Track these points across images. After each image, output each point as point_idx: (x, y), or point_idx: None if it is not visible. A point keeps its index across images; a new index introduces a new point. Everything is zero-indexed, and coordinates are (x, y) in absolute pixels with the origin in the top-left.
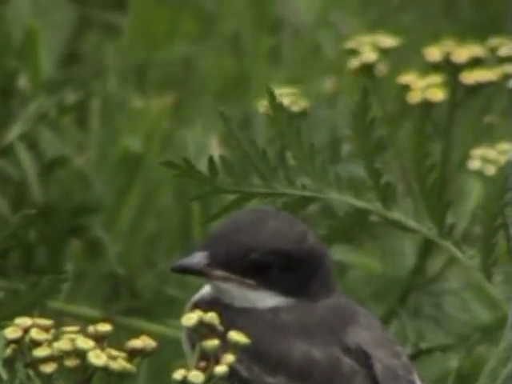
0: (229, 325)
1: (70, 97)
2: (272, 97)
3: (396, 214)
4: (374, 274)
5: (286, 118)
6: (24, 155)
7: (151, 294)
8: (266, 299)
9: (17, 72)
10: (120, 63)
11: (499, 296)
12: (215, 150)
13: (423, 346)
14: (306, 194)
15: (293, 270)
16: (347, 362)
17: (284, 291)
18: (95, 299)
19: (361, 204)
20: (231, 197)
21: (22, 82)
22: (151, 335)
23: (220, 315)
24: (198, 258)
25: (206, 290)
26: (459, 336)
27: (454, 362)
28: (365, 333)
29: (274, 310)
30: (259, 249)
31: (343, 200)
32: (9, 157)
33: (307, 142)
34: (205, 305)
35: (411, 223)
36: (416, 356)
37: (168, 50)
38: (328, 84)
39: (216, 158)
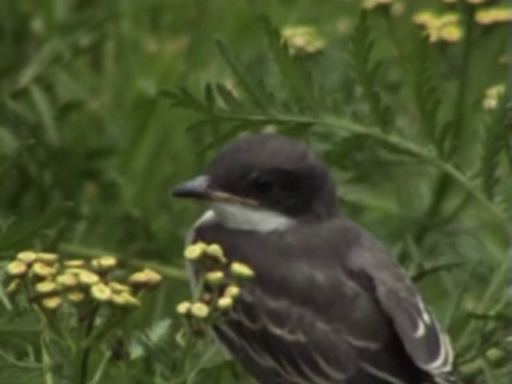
0: (231, 249)
1: (84, 39)
2: (276, 41)
3: (395, 138)
4: (389, 215)
5: (291, 62)
6: (39, 98)
7: (166, 236)
8: (269, 220)
9: (31, 15)
10: (134, 5)
11: (501, 215)
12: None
13: (427, 265)
14: (304, 120)
15: (294, 189)
16: (350, 284)
17: (287, 211)
18: (110, 242)
19: (359, 128)
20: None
21: (36, 25)
22: (166, 277)
23: (224, 240)
24: (199, 182)
25: (207, 215)
26: (474, 275)
27: (469, 303)
28: (368, 255)
29: (279, 233)
30: (259, 167)
31: (341, 125)
32: (24, 100)
33: (304, 71)
34: (207, 230)
35: (410, 146)
36: (420, 277)
37: None
38: (342, 25)
39: (213, 87)
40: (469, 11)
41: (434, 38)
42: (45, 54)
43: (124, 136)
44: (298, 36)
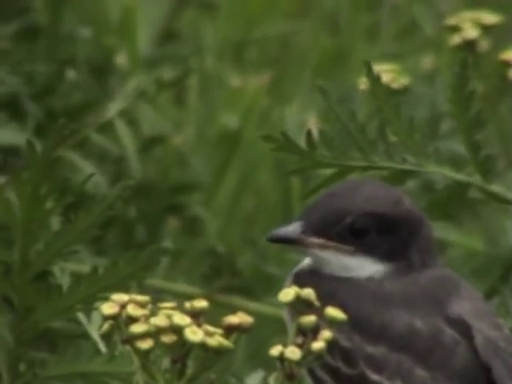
0: (330, 295)
1: (168, 74)
2: (370, 71)
3: (496, 187)
4: (474, 252)
5: (385, 92)
6: (123, 132)
7: (250, 271)
8: (365, 266)
9: (115, 50)
10: (217, 40)
11: None
12: (313, 127)
13: None
14: (406, 167)
15: (390, 234)
16: (449, 332)
17: (383, 257)
18: (194, 277)
19: (460, 177)
20: (330, 172)
21: (121, 59)
22: (250, 313)
23: (321, 286)
24: (293, 227)
25: (306, 261)
26: None
27: None
28: (467, 304)
29: (378, 281)
30: (354, 212)
31: (442, 173)
32: (108, 134)
33: (406, 116)
34: (305, 276)
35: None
36: None
37: (265, 27)
38: (426, 61)
39: (314, 133)
40: None
41: None
42: (129, 88)
43: (207, 170)
44: (384, 73)
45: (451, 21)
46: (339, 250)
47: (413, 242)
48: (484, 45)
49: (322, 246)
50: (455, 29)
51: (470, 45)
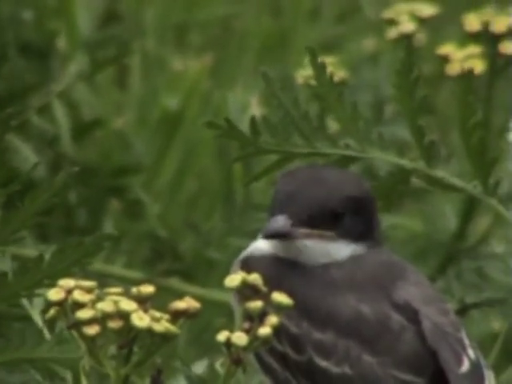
0: (277, 282)
1: (109, 56)
2: (314, 58)
3: (440, 173)
4: (415, 234)
5: (328, 78)
6: (60, 113)
7: (192, 255)
8: (342, 249)
9: (56, 32)
10: (159, 23)
11: None
12: (255, 110)
13: (469, 301)
14: (349, 153)
15: (359, 215)
16: (396, 318)
17: (356, 238)
18: (135, 260)
19: (404, 163)
20: (272, 156)
21: (62, 42)
22: (191, 297)
23: (269, 272)
24: (282, 221)
25: (253, 247)
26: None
27: (496, 323)
28: (413, 289)
29: (325, 266)
30: (334, 198)
31: (386, 159)
32: (47, 117)
33: (349, 102)
34: (253, 262)
35: (455, 181)
36: (462, 312)
37: (207, 10)
38: (368, 43)
39: (258, 119)
40: (492, 42)
41: (457, 70)
42: (69, 70)
43: (149, 153)
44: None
45: (388, 14)
46: (323, 237)
47: (374, 220)
48: (421, 38)
49: (308, 236)
50: (392, 22)
51: (407, 38)
